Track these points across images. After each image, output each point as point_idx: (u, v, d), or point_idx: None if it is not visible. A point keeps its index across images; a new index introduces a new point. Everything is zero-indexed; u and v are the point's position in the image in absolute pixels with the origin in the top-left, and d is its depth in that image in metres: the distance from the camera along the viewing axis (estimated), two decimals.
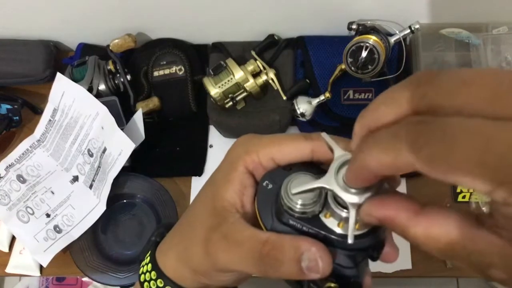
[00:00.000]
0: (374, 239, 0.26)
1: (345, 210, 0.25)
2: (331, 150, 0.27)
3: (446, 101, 0.18)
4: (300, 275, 0.25)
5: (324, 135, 0.28)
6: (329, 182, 0.25)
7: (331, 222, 0.26)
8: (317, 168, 0.29)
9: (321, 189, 0.25)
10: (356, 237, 0.25)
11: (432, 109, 0.18)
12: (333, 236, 0.26)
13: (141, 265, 0.34)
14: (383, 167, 0.20)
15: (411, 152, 0.18)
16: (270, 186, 0.28)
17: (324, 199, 0.26)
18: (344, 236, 0.25)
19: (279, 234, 0.26)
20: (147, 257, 0.34)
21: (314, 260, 0.24)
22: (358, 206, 0.24)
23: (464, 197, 0.83)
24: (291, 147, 0.29)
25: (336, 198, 0.25)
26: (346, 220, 0.25)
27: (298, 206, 0.26)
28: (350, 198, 0.24)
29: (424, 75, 0.19)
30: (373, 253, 0.27)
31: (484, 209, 0.81)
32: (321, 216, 0.26)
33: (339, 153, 0.26)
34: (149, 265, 0.33)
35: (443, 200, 0.79)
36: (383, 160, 0.19)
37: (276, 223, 0.27)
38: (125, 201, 0.89)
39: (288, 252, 0.25)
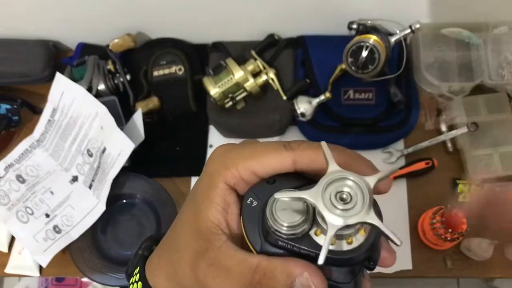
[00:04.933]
0: (368, 251, 0.25)
1: None
2: (327, 162, 0.25)
3: None
4: None
5: (323, 145, 0.26)
6: (315, 196, 0.23)
7: (322, 239, 0.24)
8: (302, 178, 0.27)
9: (304, 200, 0.24)
10: (350, 251, 0.24)
11: None
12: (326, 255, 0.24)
13: (130, 282, 0.33)
14: None
15: None
16: (254, 203, 0.27)
17: (313, 215, 0.25)
18: (338, 253, 0.24)
19: (269, 258, 0.25)
20: (136, 274, 0.32)
21: (307, 286, 0.24)
22: (340, 228, 0.23)
23: (465, 197, 0.83)
24: (272, 159, 0.27)
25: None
26: (338, 236, 0.24)
27: (286, 229, 0.24)
28: (333, 218, 0.23)
29: None
30: (369, 264, 0.26)
31: None
32: (312, 234, 0.25)
33: (333, 169, 0.24)
34: (139, 283, 0.31)
35: (443, 200, 0.79)
36: None
37: (265, 244, 0.26)
38: (124, 201, 0.88)
39: (280, 278, 0.24)
